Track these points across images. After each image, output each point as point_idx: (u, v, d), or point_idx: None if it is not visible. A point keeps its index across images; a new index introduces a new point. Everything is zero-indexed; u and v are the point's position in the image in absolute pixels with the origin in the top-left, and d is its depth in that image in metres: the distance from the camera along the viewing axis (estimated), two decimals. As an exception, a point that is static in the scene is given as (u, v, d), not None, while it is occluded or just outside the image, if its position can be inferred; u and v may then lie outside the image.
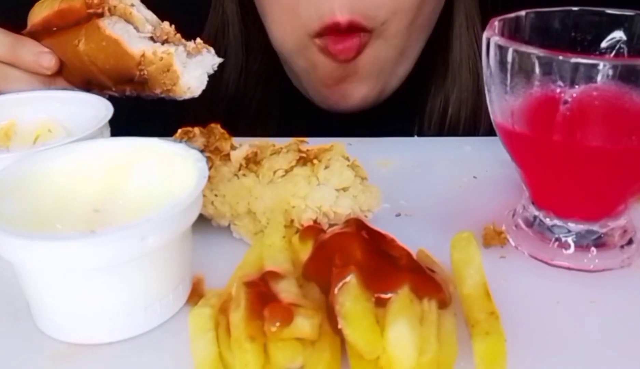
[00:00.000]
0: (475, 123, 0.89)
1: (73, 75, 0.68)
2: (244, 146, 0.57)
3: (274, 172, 0.54)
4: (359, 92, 0.82)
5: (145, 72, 0.63)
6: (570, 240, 0.51)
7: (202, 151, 0.50)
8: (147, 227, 0.41)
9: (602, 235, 0.51)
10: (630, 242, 0.52)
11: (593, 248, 0.51)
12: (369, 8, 0.75)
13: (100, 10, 0.64)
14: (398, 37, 0.80)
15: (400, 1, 0.76)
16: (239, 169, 0.55)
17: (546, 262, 0.51)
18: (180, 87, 0.63)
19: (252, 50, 0.91)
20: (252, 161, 0.55)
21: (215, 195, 0.53)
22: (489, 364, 0.39)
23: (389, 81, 0.84)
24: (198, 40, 0.65)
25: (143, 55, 0.62)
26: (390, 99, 0.89)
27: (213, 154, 0.56)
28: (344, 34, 0.76)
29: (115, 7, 0.64)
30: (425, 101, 0.90)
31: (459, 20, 0.88)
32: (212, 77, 0.65)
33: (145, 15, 0.66)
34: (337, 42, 0.77)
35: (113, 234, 0.40)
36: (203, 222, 0.52)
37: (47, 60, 0.67)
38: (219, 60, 0.65)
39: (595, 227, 0.51)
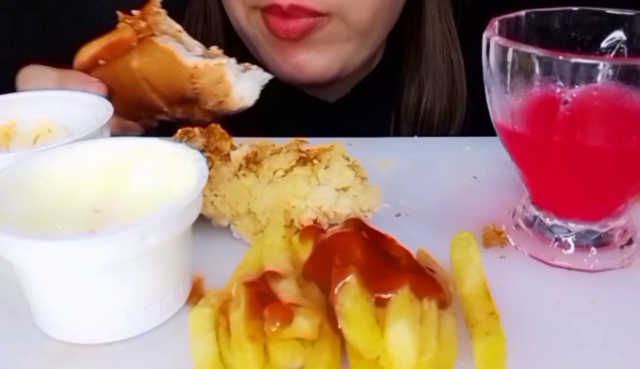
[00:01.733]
0: (451, 112, 0.90)
1: (122, 102, 0.68)
2: (244, 146, 0.57)
3: (274, 172, 0.54)
4: (315, 65, 0.82)
5: (198, 85, 0.63)
6: (570, 240, 0.51)
7: (202, 151, 0.50)
8: (147, 227, 0.41)
9: (602, 235, 0.51)
10: (630, 242, 0.52)
11: (593, 248, 0.51)
12: None
13: (150, 34, 0.65)
14: (360, 24, 0.80)
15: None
16: (239, 169, 0.55)
17: (546, 262, 0.51)
18: (233, 97, 0.63)
19: (233, 39, 0.92)
20: (252, 161, 0.55)
21: (215, 195, 0.53)
22: (489, 364, 0.39)
23: (350, 61, 0.84)
24: (247, 64, 0.66)
25: (195, 67, 0.63)
26: (366, 91, 0.91)
27: (213, 154, 0.56)
28: (287, 15, 0.77)
29: (165, 31, 0.66)
30: (401, 92, 0.91)
31: (431, 11, 0.89)
32: None
33: (192, 42, 0.67)
34: (280, 22, 0.78)
35: (113, 234, 0.40)
36: (203, 222, 0.52)
37: (94, 89, 0.68)
38: (269, 76, 0.65)
39: (595, 227, 0.51)
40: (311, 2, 0.76)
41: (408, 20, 0.90)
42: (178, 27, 0.67)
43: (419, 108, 0.90)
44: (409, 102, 0.90)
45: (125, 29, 0.67)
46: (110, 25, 0.68)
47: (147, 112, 0.69)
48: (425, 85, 0.90)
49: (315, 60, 0.82)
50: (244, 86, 0.63)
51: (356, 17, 0.79)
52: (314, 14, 0.77)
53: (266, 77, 0.65)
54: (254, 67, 0.65)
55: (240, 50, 0.92)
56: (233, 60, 0.64)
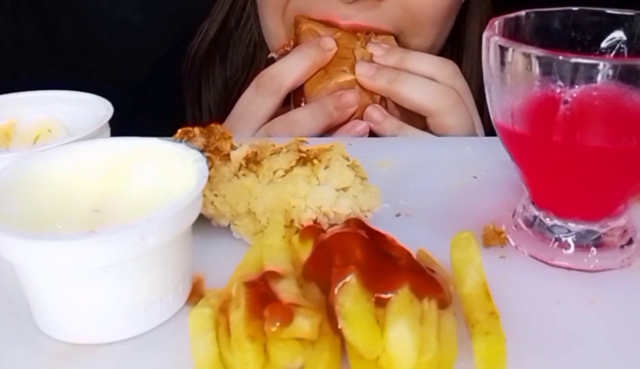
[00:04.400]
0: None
1: None
2: (244, 146, 0.57)
3: (274, 172, 0.54)
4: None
5: None
6: (570, 240, 0.51)
7: (202, 151, 0.50)
8: (147, 227, 0.41)
9: (602, 235, 0.51)
10: (630, 242, 0.52)
11: (593, 248, 0.51)
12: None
13: None
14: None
15: (419, 14, 0.81)
16: (239, 169, 0.55)
17: (546, 262, 0.51)
18: None
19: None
20: (252, 161, 0.55)
21: (215, 195, 0.53)
22: (489, 364, 0.39)
23: None
24: None
25: None
26: None
27: (213, 154, 0.56)
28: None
29: None
30: None
31: (471, 40, 0.91)
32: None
33: None
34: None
35: (113, 234, 0.40)
36: (203, 222, 0.52)
37: (326, 41, 0.77)
38: None
39: (595, 227, 0.51)
40: (372, 22, 0.80)
41: (446, 46, 0.91)
42: None
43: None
44: None
45: None
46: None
47: None
48: None
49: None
50: None
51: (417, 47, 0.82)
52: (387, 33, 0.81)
53: None
54: None
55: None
56: None
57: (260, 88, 0.77)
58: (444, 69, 0.77)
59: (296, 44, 0.81)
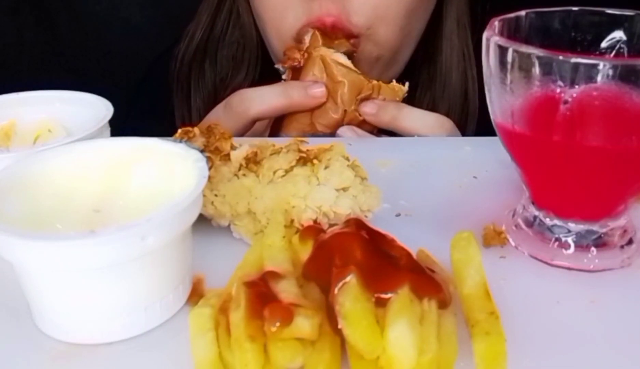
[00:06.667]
0: (462, 129, 0.90)
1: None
2: (244, 146, 0.57)
3: (274, 172, 0.54)
4: None
5: None
6: (570, 240, 0.51)
7: (202, 151, 0.50)
8: (147, 227, 0.41)
9: (602, 235, 0.51)
10: (630, 242, 0.52)
11: (593, 248, 0.51)
12: (352, 14, 0.79)
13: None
14: (389, 42, 0.83)
15: (384, 9, 0.80)
16: (239, 169, 0.55)
17: (546, 262, 0.51)
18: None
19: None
20: (252, 161, 0.55)
21: (215, 195, 0.53)
22: (489, 364, 0.39)
23: (381, 77, 0.86)
24: None
25: None
26: None
27: (213, 154, 0.56)
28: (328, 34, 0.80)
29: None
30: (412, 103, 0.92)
31: (450, 27, 0.89)
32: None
33: None
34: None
35: (113, 234, 0.40)
36: (203, 222, 0.52)
37: (316, 88, 0.76)
38: None
39: (595, 227, 0.51)
40: (348, 23, 0.79)
41: (424, 37, 0.90)
42: None
43: None
44: None
45: None
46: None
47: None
48: (439, 102, 0.90)
49: None
50: None
51: (385, 36, 0.82)
52: (350, 35, 0.80)
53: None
54: None
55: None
56: None
57: (227, 107, 0.77)
58: (439, 131, 0.77)
59: (305, 62, 0.80)
